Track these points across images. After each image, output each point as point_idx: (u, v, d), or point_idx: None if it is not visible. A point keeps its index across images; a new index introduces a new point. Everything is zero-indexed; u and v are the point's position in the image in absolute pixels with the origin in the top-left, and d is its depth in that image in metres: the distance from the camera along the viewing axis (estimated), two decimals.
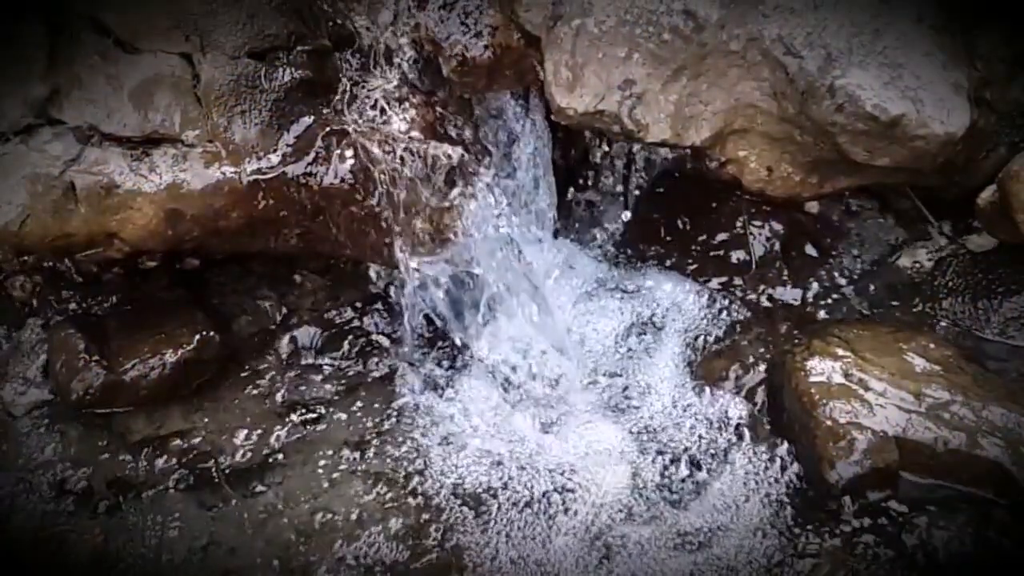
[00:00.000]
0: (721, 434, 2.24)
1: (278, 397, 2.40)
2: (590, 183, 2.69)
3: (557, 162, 2.65)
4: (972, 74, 2.23)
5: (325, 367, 2.47)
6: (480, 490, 2.17)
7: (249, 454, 2.29)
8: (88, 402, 2.33)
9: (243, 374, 2.45)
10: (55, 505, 2.19)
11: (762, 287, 2.55)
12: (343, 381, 2.44)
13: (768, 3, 2.18)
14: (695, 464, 2.20)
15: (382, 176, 2.22)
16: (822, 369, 2.16)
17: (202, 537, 2.13)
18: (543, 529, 2.09)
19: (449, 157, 2.25)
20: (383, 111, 2.27)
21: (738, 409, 2.29)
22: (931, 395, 2.09)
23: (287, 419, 2.35)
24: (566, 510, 2.12)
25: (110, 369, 2.33)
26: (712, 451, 2.22)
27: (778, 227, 2.61)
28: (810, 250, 2.62)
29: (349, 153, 2.22)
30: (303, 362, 2.48)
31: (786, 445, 2.20)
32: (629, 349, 2.48)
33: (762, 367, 2.35)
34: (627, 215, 2.74)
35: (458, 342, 2.50)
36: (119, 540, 2.13)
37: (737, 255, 2.60)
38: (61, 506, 2.19)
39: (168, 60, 2.23)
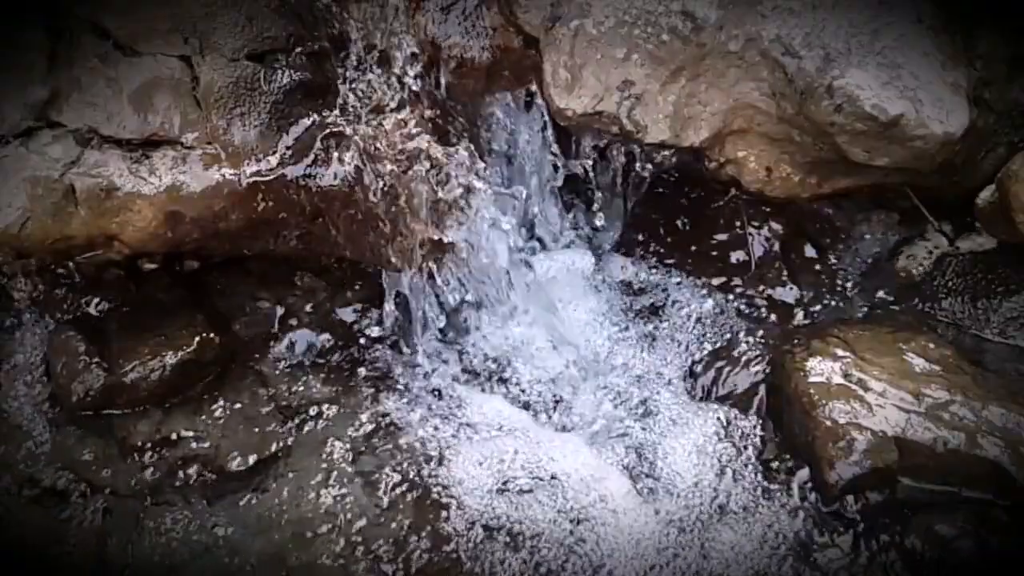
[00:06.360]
0: (719, 434, 2.24)
1: (278, 398, 2.40)
2: (589, 183, 2.68)
3: (557, 163, 2.64)
4: (971, 74, 2.23)
5: (325, 368, 2.47)
6: (480, 491, 2.17)
7: (249, 455, 2.29)
8: (88, 404, 2.33)
9: (243, 376, 2.45)
10: (55, 506, 2.19)
11: (761, 287, 2.55)
12: (343, 382, 2.44)
13: (766, 3, 2.18)
14: (692, 463, 2.20)
15: (381, 178, 2.22)
16: (821, 369, 2.16)
17: (202, 538, 2.13)
18: (541, 529, 2.09)
19: (449, 159, 2.25)
20: (382, 113, 2.27)
21: (737, 410, 2.29)
22: (931, 395, 2.09)
23: (287, 420, 2.36)
24: (564, 510, 2.12)
25: (110, 371, 2.33)
26: (710, 451, 2.21)
27: (777, 227, 2.62)
28: (809, 250, 2.62)
29: (348, 155, 2.23)
30: (303, 363, 2.48)
31: (786, 445, 2.20)
32: (629, 348, 2.48)
33: (761, 367, 2.35)
34: (626, 215, 2.74)
35: (457, 342, 2.50)
36: (119, 541, 2.13)
37: (736, 255, 2.60)
38: (61, 507, 2.19)
39: (167, 63, 2.23)
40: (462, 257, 2.32)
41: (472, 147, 2.27)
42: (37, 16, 2.23)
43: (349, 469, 2.25)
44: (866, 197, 2.58)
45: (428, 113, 2.31)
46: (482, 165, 2.25)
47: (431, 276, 2.36)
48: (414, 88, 2.30)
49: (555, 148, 2.54)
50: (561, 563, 2.04)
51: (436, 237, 2.26)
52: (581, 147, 2.54)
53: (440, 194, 2.23)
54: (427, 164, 2.23)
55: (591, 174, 2.63)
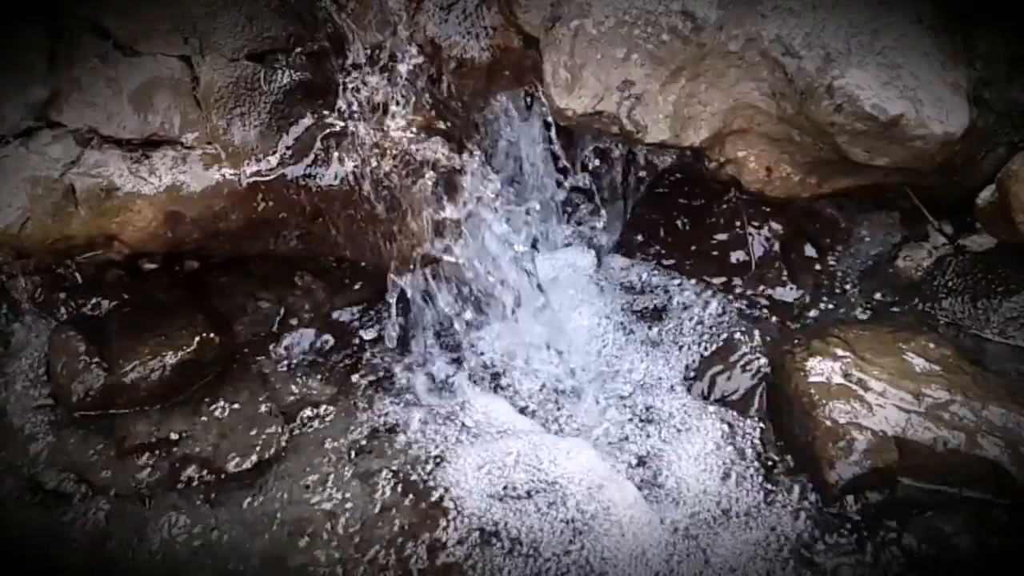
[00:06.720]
0: (721, 436, 2.24)
1: (278, 399, 2.40)
2: (589, 182, 2.68)
3: (558, 162, 2.64)
4: (971, 74, 2.23)
5: (325, 369, 2.47)
6: (480, 494, 2.17)
7: (249, 455, 2.29)
8: (88, 404, 2.33)
9: (243, 376, 2.45)
10: (56, 507, 2.19)
11: (761, 287, 2.55)
12: (343, 383, 2.44)
13: (766, 3, 2.18)
14: (694, 466, 2.20)
15: (381, 178, 2.22)
16: (821, 369, 2.16)
17: (202, 538, 2.13)
18: (541, 535, 2.09)
19: (449, 159, 2.25)
20: (382, 113, 2.27)
21: (738, 411, 2.29)
22: (931, 395, 2.09)
23: (287, 420, 2.35)
24: (565, 516, 2.12)
25: (110, 371, 2.33)
26: (711, 453, 2.21)
27: (777, 227, 2.61)
28: (809, 250, 2.62)
29: (348, 155, 2.23)
30: (303, 364, 2.48)
31: (786, 446, 2.20)
32: (630, 351, 2.48)
33: (761, 367, 2.35)
34: (627, 215, 2.75)
35: (459, 344, 2.50)
36: (120, 542, 2.13)
37: (736, 255, 2.60)
38: (61, 508, 2.19)
39: (167, 63, 2.23)
40: (467, 276, 2.30)
41: (481, 154, 2.26)
42: (37, 16, 2.23)
43: (349, 470, 2.25)
44: (866, 197, 2.58)
45: (429, 115, 2.31)
46: (493, 175, 2.24)
47: (430, 279, 2.36)
48: (414, 89, 2.30)
49: (562, 162, 2.54)
50: (562, 570, 2.03)
51: (438, 255, 2.25)
52: (584, 154, 2.55)
53: (446, 210, 2.21)
54: (427, 165, 2.22)
55: (591, 179, 2.63)
